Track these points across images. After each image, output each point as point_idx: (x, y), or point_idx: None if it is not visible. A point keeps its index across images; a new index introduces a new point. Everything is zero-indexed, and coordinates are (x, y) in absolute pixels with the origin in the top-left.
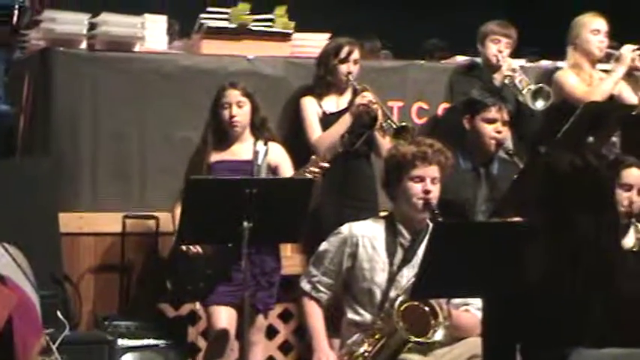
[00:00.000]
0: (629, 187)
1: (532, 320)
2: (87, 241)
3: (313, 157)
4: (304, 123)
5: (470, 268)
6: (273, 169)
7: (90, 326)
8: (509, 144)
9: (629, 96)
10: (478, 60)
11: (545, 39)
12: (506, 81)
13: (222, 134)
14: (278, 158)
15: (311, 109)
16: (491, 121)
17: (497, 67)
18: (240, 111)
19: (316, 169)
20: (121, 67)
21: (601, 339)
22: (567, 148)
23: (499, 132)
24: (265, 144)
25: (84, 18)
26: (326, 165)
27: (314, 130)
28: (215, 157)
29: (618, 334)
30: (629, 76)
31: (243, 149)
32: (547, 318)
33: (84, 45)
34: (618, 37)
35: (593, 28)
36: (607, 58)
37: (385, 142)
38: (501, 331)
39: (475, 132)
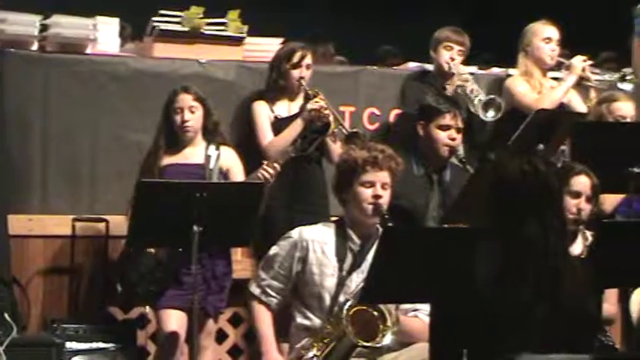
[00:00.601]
0: (577, 195)
1: (479, 326)
2: (36, 243)
3: (264, 161)
4: (255, 127)
5: (419, 273)
6: (224, 173)
7: (38, 329)
8: (461, 151)
9: (578, 105)
10: (429, 67)
11: (500, 46)
12: (459, 90)
13: (174, 138)
14: (230, 162)
15: (263, 113)
16: (446, 128)
17: (448, 75)
18: (192, 116)
19: (267, 174)
20: (73, 69)
21: (547, 345)
22: (517, 155)
23: (453, 139)
24: (217, 148)
25: (35, 19)
26: (277, 168)
27: (265, 135)
28: (167, 160)
29: (564, 339)
30: (578, 85)
31: (195, 153)
32: (494, 323)
33: (35, 46)
34: (572, 45)
35: (544, 37)
36: (558, 66)
37: (336, 148)
38: (449, 337)
39: (429, 138)
